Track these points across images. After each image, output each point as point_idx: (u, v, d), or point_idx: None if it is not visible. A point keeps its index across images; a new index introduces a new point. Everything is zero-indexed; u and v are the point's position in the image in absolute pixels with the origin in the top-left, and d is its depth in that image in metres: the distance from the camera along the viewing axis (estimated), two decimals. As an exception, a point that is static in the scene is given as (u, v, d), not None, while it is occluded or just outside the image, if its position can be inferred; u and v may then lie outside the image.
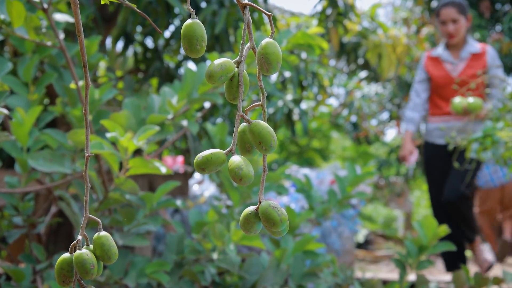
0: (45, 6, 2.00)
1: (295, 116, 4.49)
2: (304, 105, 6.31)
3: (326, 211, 2.92)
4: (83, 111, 0.96)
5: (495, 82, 4.13)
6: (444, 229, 2.85)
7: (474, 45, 4.25)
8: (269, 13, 0.89)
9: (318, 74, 4.90)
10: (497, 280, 3.00)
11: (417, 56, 6.90)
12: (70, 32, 2.92)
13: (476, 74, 4.13)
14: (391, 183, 8.84)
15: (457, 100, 3.88)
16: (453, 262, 4.21)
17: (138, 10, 0.95)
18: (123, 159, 1.98)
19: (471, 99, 3.82)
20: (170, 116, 2.28)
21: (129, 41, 3.58)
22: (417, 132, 4.46)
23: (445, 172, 4.30)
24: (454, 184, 4.15)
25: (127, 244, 2.18)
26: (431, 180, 4.44)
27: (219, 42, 3.36)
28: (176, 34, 3.50)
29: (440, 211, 4.33)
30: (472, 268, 5.07)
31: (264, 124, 0.87)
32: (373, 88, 7.63)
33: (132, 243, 2.18)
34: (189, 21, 0.89)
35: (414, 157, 4.41)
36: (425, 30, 7.02)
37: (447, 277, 4.47)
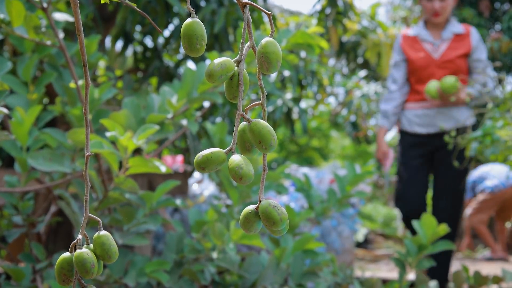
0: (45, 5, 2.00)
1: (295, 115, 4.49)
2: (303, 104, 6.31)
3: (326, 210, 2.92)
4: (83, 110, 0.96)
5: (479, 66, 3.77)
6: (444, 228, 2.85)
7: (456, 25, 3.85)
8: (269, 12, 0.89)
9: (317, 73, 4.91)
10: (497, 279, 3.00)
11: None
12: (69, 31, 2.92)
13: (459, 56, 3.76)
14: (391, 182, 8.83)
15: (430, 84, 3.62)
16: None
17: (137, 9, 0.95)
18: (123, 158, 1.98)
19: (444, 79, 3.57)
20: (169, 115, 2.29)
21: (128, 40, 3.58)
22: (392, 128, 3.99)
23: (427, 167, 3.87)
24: (442, 207, 3.74)
25: (127, 243, 2.18)
26: (410, 174, 3.88)
27: (218, 41, 3.37)
28: (175, 33, 3.50)
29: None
30: None
31: (264, 123, 0.87)
32: (372, 87, 7.63)
33: (132, 243, 2.19)
34: (189, 20, 0.89)
35: (389, 159, 3.96)
36: (425, 29, 7.01)
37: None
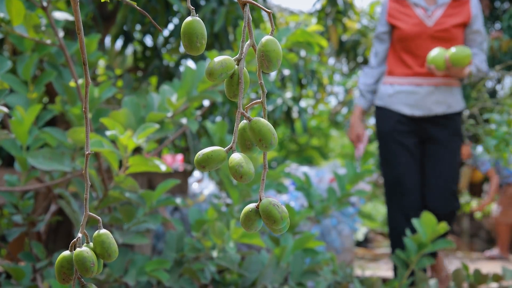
0: (45, 4, 2.00)
1: (295, 114, 4.49)
2: (303, 103, 6.32)
3: (326, 209, 2.92)
4: (83, 109, 0.96)
5: (477, 39, 3.28)
6: (444, 227, 2.85)
7: None
8: (269, 11, 0.89)
9: (317, 72, 4.91)
10: (497, 277, 3.00)
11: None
12: (69, 30, 2.92)
13: (456, 25, 3.21)
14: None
15: (435, 51, 3.10)
16: None
17: (137, 8, 0.95)
18: (123, 157, 1.98)
19: (457, 49, 3.07)
20: (169, 114, 2.28)
21: (128, 39, 3.58)
22: (368, 107, 3.42)
23: (414, 154, 3.29)
24: (445, 188, 3.23)
25: (127, 242, 2.18)
26: (393, 160, 3.28)
27: (218, 40, 3.36)
28: (175, 32, 3.50)
29: (403, 214, 3.24)
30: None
31: (264, 121, 0.87)
32: (372, 86, 7.62)
33: (132, 241, 2.19)
34: (189, 18, 0.89)
35: (363, 142, 3.41)
36: (424, 28, 7.01)
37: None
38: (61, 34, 2.18)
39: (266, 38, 0.88)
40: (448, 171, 3.25)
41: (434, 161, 3.27)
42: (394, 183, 3.28)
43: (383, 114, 3.33)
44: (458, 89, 3.32)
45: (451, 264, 5.57)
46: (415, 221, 2.92)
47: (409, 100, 3.24)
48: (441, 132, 3.27)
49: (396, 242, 3.24)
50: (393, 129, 3.28)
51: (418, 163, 3.30)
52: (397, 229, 3.25)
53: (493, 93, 5.36)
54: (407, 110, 3.25)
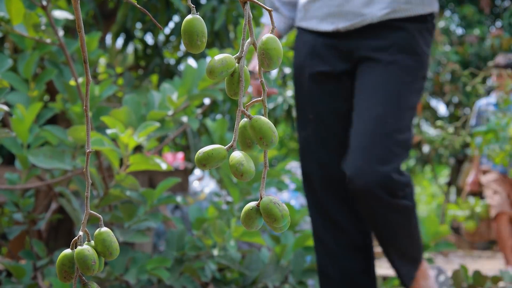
0: (44, 3, 2.00)
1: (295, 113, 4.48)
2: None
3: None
4: (84, 107, 0.96)
5: None
6: (446, 229, 2.84)
7: None
8: (270, 9, 0.89)
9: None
10: (496, 279, 3.00)
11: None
12: (69, 28, 2.92)
13: None
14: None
15: None
16: None
17: (138, 6, 0.94)
18: (124, 155, 1.98)
19: None
20: (170, 113, 2.29)
21: (129, 37, 3.58)
22: (286, 30, 2.29)
23: (339, 100, 2.13)
24: (369, 146, 1.95)
25: (128, 241, 2.18)
26: (304, 117, 2.19)
27: (219, 39, 3.36)
28: (175, 30, 3.50)
29: (319, 193, 2.16)
30: None
31: (265, 119, 0.87)
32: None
33: (133, 240, 2.19)
34: (189, 16, 0.89)
35: (254, 81, 2.20)
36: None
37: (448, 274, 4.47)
38: (61, 33, 2.18)
39: (266, 36, 0.87)
40: (382, 110, 2.00)
41: (363, 96, 2.05)
42: (302, 129, 2.22)
43: (296, 42, 2.23)
44: None
45: (452, 263, 5.57)
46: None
47: (328, 8, 2.09)
48: (380, 51, 2.05)
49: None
50: (304, 65, 2.17)
51: (339, 110, 2.15)
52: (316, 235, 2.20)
53: (491, 91, 5.35)
54: (326, 25, 2.09)
